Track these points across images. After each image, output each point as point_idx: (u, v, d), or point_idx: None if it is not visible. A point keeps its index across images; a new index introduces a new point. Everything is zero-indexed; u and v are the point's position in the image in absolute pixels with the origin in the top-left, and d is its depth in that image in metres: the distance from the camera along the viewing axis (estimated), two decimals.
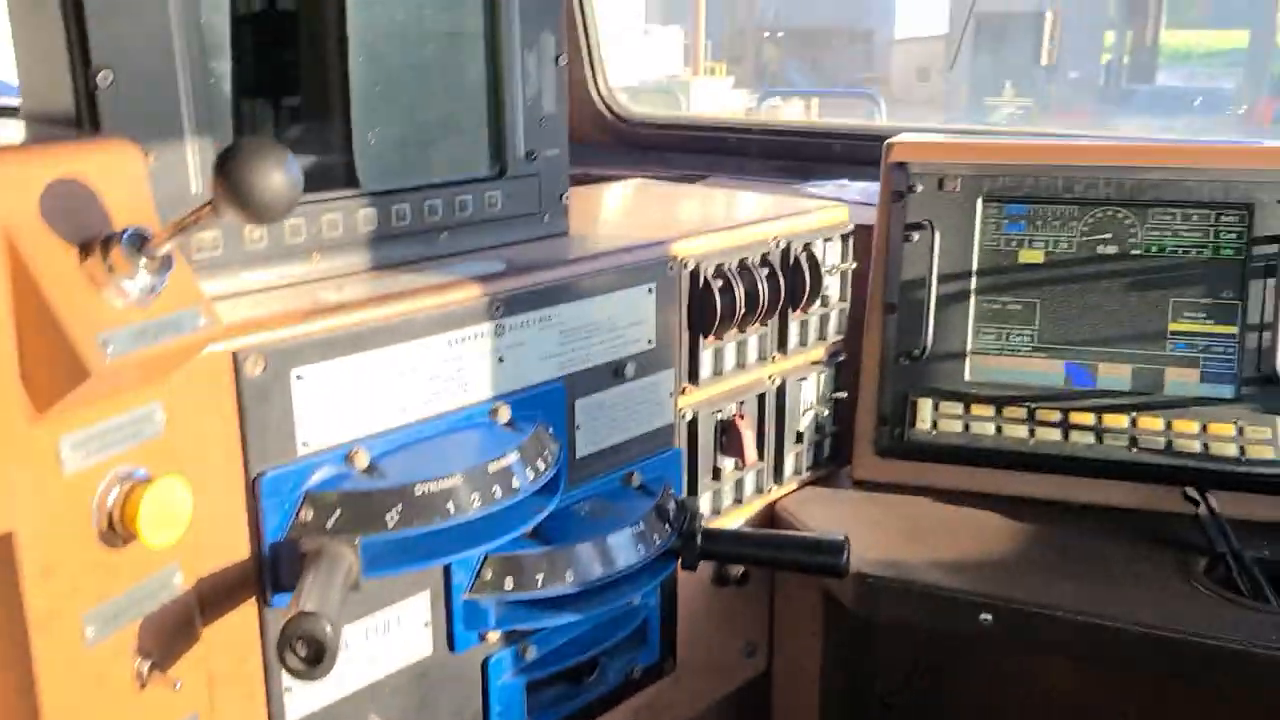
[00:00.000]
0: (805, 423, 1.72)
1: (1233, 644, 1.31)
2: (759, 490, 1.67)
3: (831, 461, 1.79)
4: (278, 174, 0.79)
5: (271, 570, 1.08)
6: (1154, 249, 1.63)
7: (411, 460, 1.15)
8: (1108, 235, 1.65)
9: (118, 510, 0.90)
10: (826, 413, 1.74)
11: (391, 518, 1.10)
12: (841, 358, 1.76)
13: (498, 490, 1.17)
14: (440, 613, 1.25)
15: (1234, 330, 1.60)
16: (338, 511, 1.09)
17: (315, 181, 1.22)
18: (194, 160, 1.09)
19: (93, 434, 0.88)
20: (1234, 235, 1.60)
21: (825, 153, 2.65)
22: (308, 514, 1.09)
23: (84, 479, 0.88)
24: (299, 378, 1.07)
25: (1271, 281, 1.56)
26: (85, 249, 0.84)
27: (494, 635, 1.30)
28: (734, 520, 1.64)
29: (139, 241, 0.84)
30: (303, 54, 1.27)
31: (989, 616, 1.41)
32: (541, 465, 1.23)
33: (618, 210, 1.72)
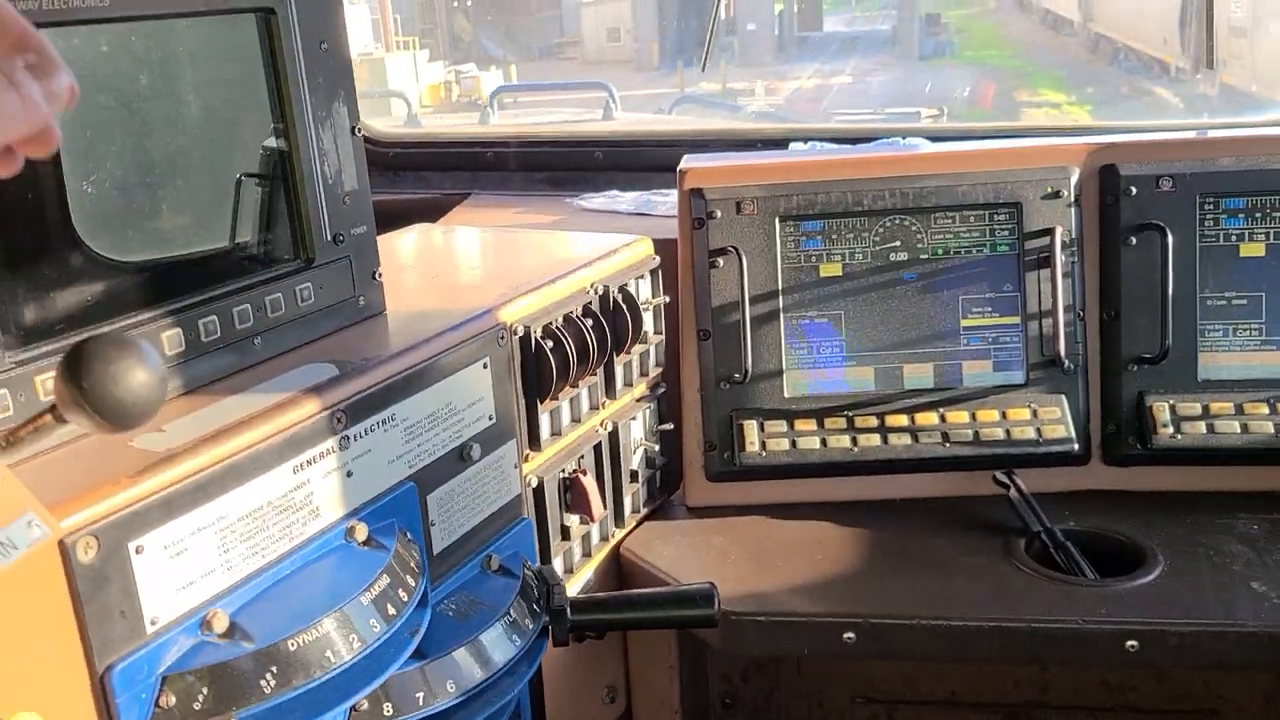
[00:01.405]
0: (637, 460, 1.70)
1: (1067, 624, 1.42)
2: (603, 538, 1.65)
3: (664, 491, 1.79)
4: (140, 372, 0.67)
5: None
6: (940, 252, 1.73)
7: (276, 611, 1.04)
8: (897, 243, 1.73)
9: None
10: (656, 446, 1.74)
11: (267, 684, 0.99)
12: (662, 389, 1.75)
13: (374, 623, 1.07)
14: None
15: (1017, 320, 1.72)
16: (204, 690, 0.96)
17: (103, 310, 1.07)
18: None
19: None
20: (1007, 232, 1.72)
21: (587, 161, 2.64)
22: (168, 699, 0.95)
23: None
24: (138, 550, 0.93)
25: (1045, 272, 1.69)
26: None
27: None
28: (584, 573, 1.60)
29: None
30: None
31: (852, 635, 1.46)
32: (410, 580, 1.15)
33: (424, 272, 1.62)
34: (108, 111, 1.08)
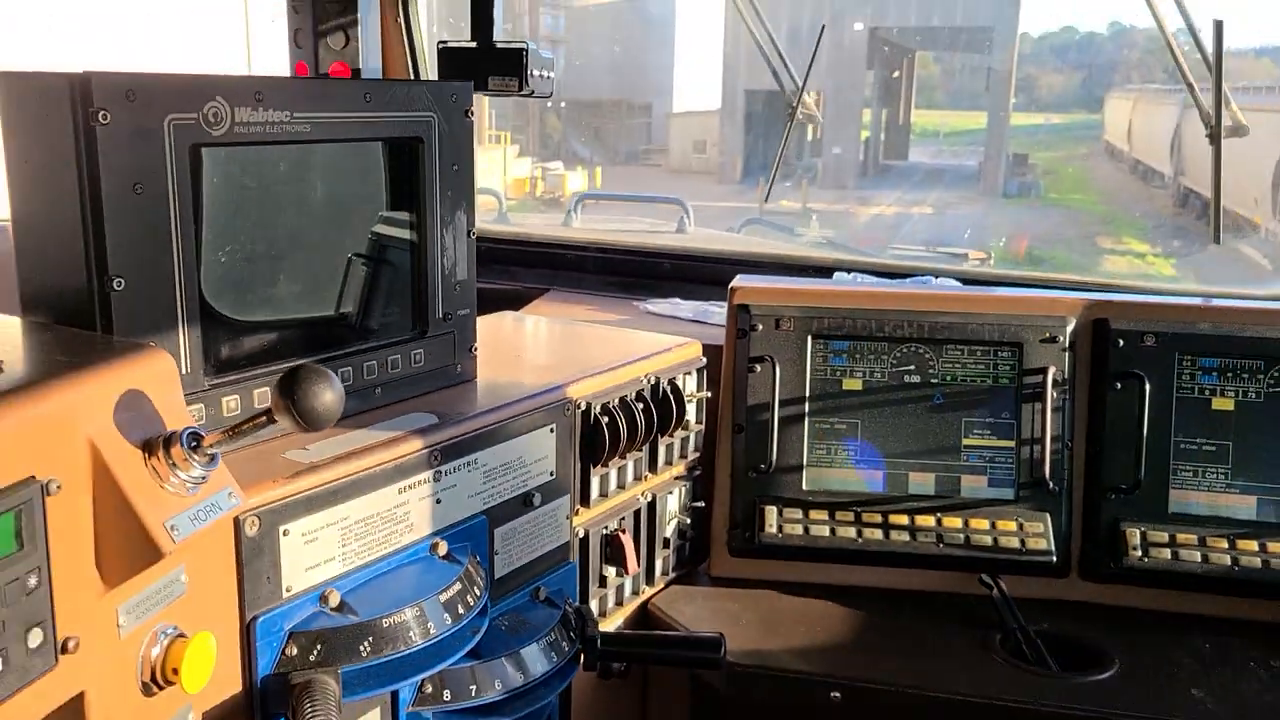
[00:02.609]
0: (670, 529, 1.98)
1: (1026, 705, 1.65)
2: (635, 592, 1.92)
3: (692, 560, 2.06)
4: (329, 394, 0.98)
5: (262, 702, 1.23)
6: (949, 378, 2.01)
7: (375, 596, 1.33)
8: (912, 367, 2.01)
9: (159, 664, 1.05)
10: (688, 520, 2.01)
11: (364, 648, 1.28)
12: (698, 472, 2.04)
13: (447, 617, 1.36)
14: None
15: (1012, 444, 1.98)
16: (319, 646, 1.26)
17: (274, 353, 1.40)
18: (185, 349, 1.25)
19: (140, 600, 1.04)
20: (1009, 368, 1.99)
21: (655, 270, 2.97)
22: (293, 650, 1.25)
23: (133, 639, 1.03)
24: (285, 533, 1.24)
25: (1039, 405, 1.95)
26: (148, 449, 1.00)
27: None
28: (616, 619, 1.87)
29: (195, 442, 1.01)
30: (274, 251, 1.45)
31: (838, 694, 1.70)
32: (476, 591, 1.44)
33: (508, 352, 1.94)
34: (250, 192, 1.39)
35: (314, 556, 1.28)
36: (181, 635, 1.07)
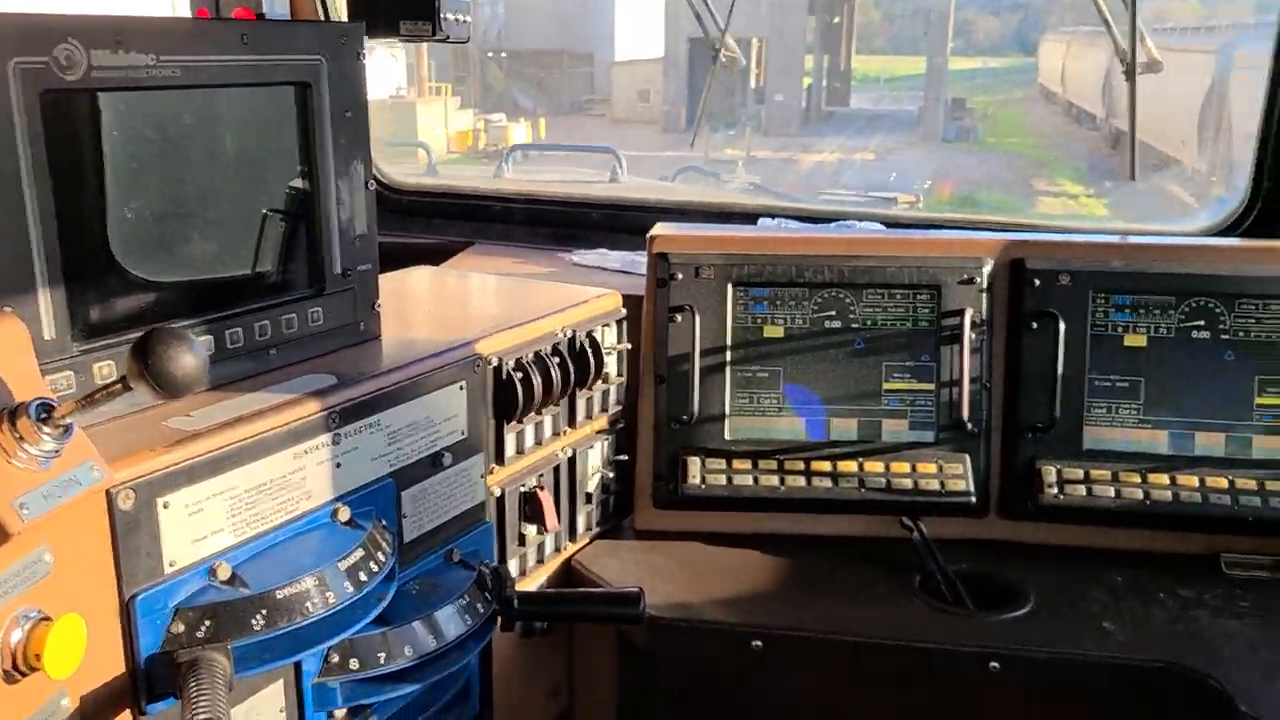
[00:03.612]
0: (593, 485, 1.95)
1: (944, 646, 1.66)
2: (557, 549, 1.89)
3: (616, 516, 2.03)
4: (188, 358, 0.93)
5: (146, 682, 1.18)
6: (869, 323, 1.99)
7: (269, 567, 1.29)
8: (833, 312, 1.99)
9: (20, 650, 1.00)
10: (611, 474, 1.98)
11: (257, 622, 1.23)
12: (621, 425, 2.00)
13: (348, 585, 1.32)
14: (292, 699, 1.38)
15: (932, 387, 1.97)
16: (207, 622, 1.21)
17: (153, 314, 1.33)
18: (47, 311, 1.19)
19: None
20: (928, 310, 1.97)
21: (584, 221, 2.92)
22: (178, 627, 1.20)
23: None
24: (165, 505, 1.19)
25: (957, 347, 1.94)
26: None
27: (340, 713, 1.44)
28: (538, 578, 1.84)
29: (45, 413, 0.95)
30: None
31: (760, 644, 1.69)
32: (381, 557, 1.39)
33: (419, 307, 1.88)
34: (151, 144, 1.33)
35: (200, 529, 1.23)
36: (46, 619, 1.02)
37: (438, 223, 3.04)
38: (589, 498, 1.95)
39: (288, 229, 1.50)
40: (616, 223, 2.91)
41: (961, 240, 2.01)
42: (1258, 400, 1.89)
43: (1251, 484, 1.85)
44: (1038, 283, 1.93)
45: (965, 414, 1.92)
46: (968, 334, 1.92)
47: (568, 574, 1.91)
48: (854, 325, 1.99)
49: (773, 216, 2.55)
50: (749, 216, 2.71)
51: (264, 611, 1.24)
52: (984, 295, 1.96)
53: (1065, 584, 1.80)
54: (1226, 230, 2.31)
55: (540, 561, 1.85)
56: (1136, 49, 2.30)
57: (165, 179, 1.34)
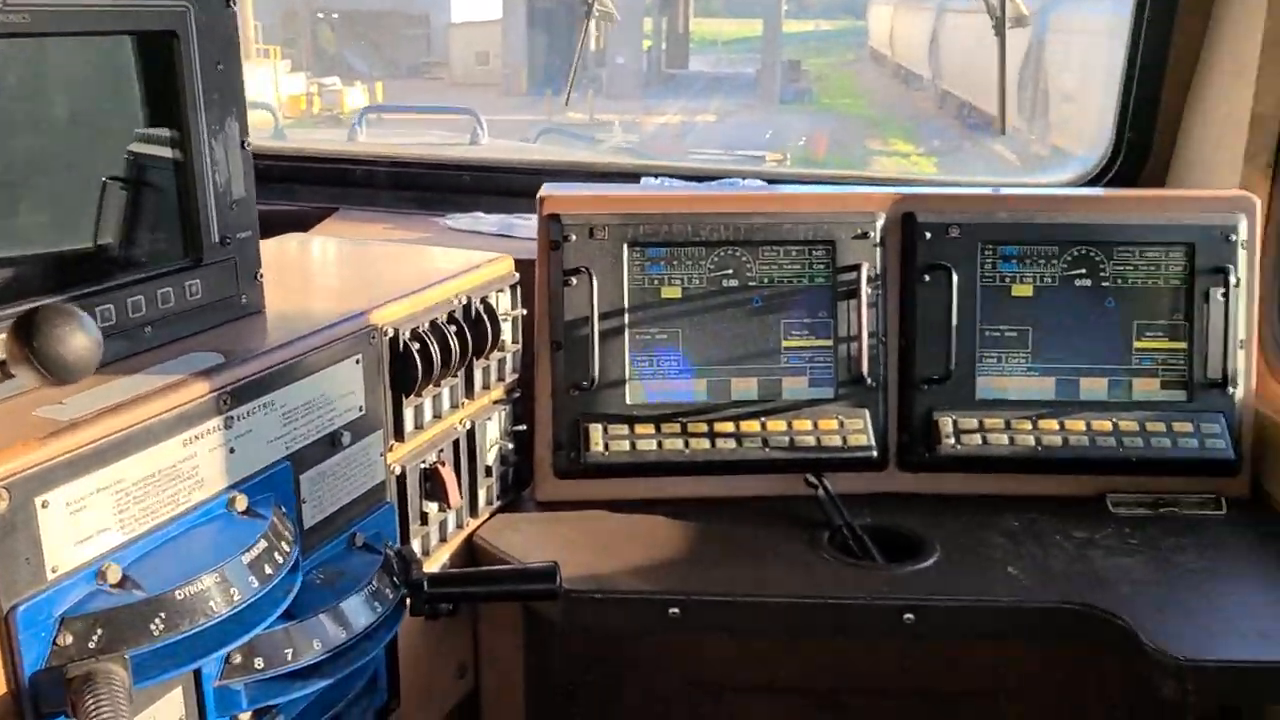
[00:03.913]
0: (492, 457, 1.87)
1: (858, 600, 1.66)
2: (458, 526, 1.81)
3: (515, 488, 1.96)
4: (80, 337, 0.81)
5: (33, 702, 1.06)
6: (766, 281, 1.97)
7: (164, 566, 1.17)
8: (730, 271, 1.96)
9: None
10: (510, 446, 1.91)
11: (156, 627, 1.12)
12: (518, 394, 1.93)
13: (253, 580, 1.21)
14: (192, 705, 1.27)
15: (830, 343, 1.97)
16: (99, 631, 1.09)
17: (12, 292, 1.18)
18: None
19: None
20: (823, 266, 1.97)
21: (454, 184, 2.80)
22: (66, 639, 1.08)
23: None
24: (44, 505, 1.06)
25: (854, 302, 1.94)
26: None
27: (245, 716, 1.34)
28: (440, 557, 1.76)
29: None
30: None
31: (677, 611, 1.66)
32: (285, 547, 1.29)
33: (300, 277, 1.75)
34: None
35: (85, 528, 1.10)
36: None
37: (295, 189, 2.86)
38: (489, 471, 1.87)
39: (160, 194, 1.36)
40: (488, 185, 2.80)
41: (854, 195, 2.01)
42: (1136, 344, 1.96)
43: (1134, 426, 1.92)
44: (929, 236, 1.95)
45: (865, 369, 1.92)
46: (865, 289, 1.92)
47: (470, 551, 1.84)
48: (751, 283, 1.97)
49: (655, 176, 2.50)
50: (626, 176, 2.65)
51: (162, 615, 1.12)
52: (878, 250, 1.96)
53: (966, 532, 1.84)
54: (1094, 180, 2.39)
55: (443, 540, 1.77)
56: (1006, 4, 2.34)
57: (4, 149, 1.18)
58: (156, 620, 1.12)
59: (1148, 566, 1.73)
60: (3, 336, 0.99)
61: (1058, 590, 1.66)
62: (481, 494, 1.86)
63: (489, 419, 1.84)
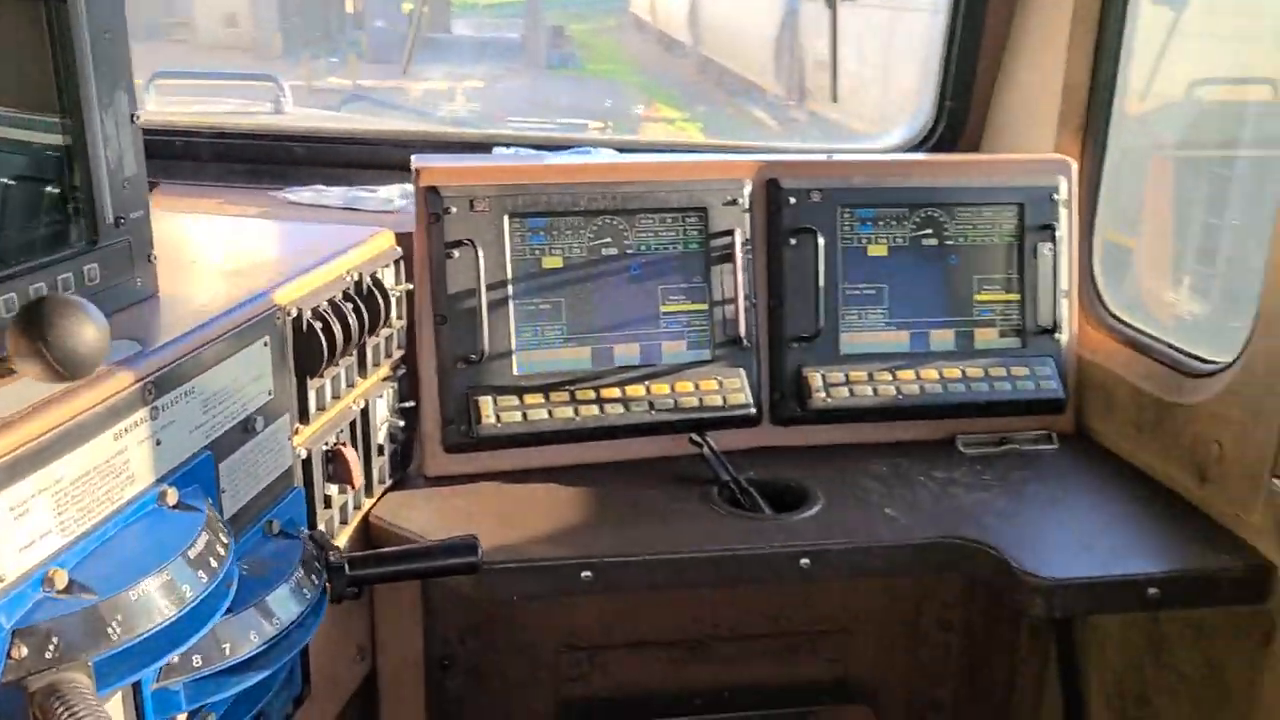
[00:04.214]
0: (383, 435, 1.84)
1: (760, 550, 1.75)
2: (356, 507, 1.77)
3: (402, 466, 1.93)
4: (92, 329, 0.76)
5: None
6: (643, 248, 2.02)
7: (109, 567, 1.10)
8: (608, 239, 2.00)
9: None
10: (401, 423, 1.88)
11: (113, 631, 1.06)
12: (403, 371, 1.90)
13: (201, 575, 1.16)
14: (131, 711, 1.20)
15: (705, 307, 2.05)
16: (54, 640, 1.02)
17: None
18: None
19: None
20: (697, 233, 2.04)
21: (286, 156, 2.69)
22: (21, 651, 1.00)
23: None
24: None
25: (727, 266, 2.03)
26: None
27: (182, 717, 1.28)
28: (342, 540, 1.72)
29: None
30: None
31: (589, 574, 1.70)
32: (224, 539, 1.24)
33: (177, 258, 1.65)
34: None
35: (27, 533, 1.03)
36: None
37: None
38: (380, 450, 1.84)
39: (52, 174, 1.26)
40: (324, 157, 2.71)
41: (723, 163, 2.09)
42: (976, 297, 2.15)
43: (979, 372, 2.11)
44: (793, 201, 2.06)
45: (741, 330, 2.01)
46: (739, 253, 2.01)
47: (367, 532, 1.80)
48: (629, 251, 2.01)
49: (507, 145, 2.49)
50: (476, 147, 2.63)
51: (119, 618, 1.06)
52: (747, 215, 2.05)
53: (841, 479, 1.97)
54: (918, 146, 2.58)
55: (344, 522, 1.73)
56: None
57: None
58: (113, 624, 1.06)
59: (1004, 499, 1.91)
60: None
61: (933, 526, 1.81)
62: (375, 473, 1.82)
63: (380, 397, 1.81)
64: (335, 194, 2.48)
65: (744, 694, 2.46)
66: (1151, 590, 1.67)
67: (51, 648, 1.02)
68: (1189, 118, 3.32)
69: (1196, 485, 1.85)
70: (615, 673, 2.42)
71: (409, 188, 2.48)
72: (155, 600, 1.10)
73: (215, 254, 1.72)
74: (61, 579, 1.06)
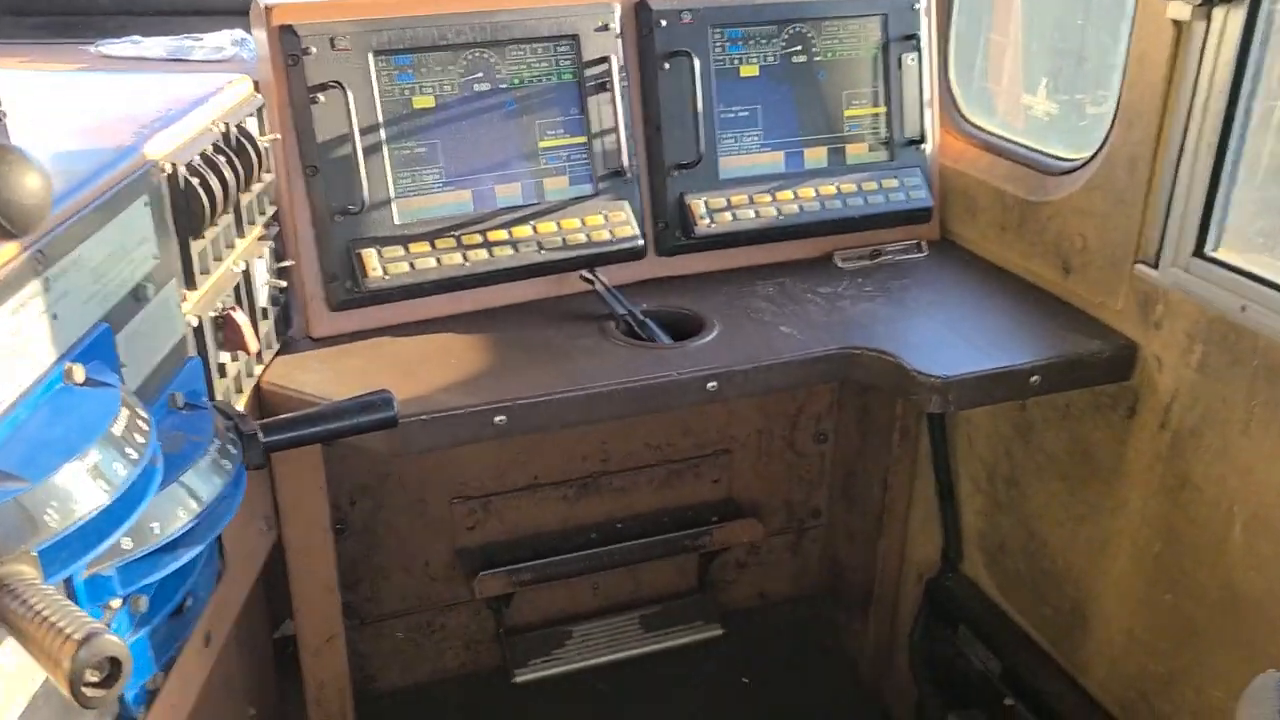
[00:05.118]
0: (265, 298, 1.74)
1: (670, 377, 1.77)
2: (249, 375, 1.68)
3: (286, 328, 1.84)
4: (35, 177, 0.67)
5: None
6: (516, 82, 1.93)
7: (32, 452, 1.02)
8: (480, 74, 1.90)
9: None
10: (283, 284, 1.78)
11: (50, 518, 0.98)
12: (276, 229, 1.79)
13: (131, 451, 1.09)
14: None
15: (584, 140, 1.99)
16: None
17: None
18: None
19: None
20: (569, 62, 1.97)
21: (94, 4, 2.42)
22: None
23: None
24: None
25: (604, 95, 1.97)
26: None
27: (116, 602, 1.22)
28: (240, 409, 1.64)
29: None
30: None
31: (503, 418, 1.68)
32: (143, 413, 1.16)
33: (18, 111, 1.47)
34: None
35: None
36: None
37: None
38: (265, 313, 1.74)
39: None
40: (134, 5, 2.46)
41: None
42: (846, 113, 2.17)
43: (852, 187, 2.15)
44: (664, 24, 2.00)
45: (624, 161, 1.98)
46: (616, 81, 1.96)
47: (260, 399, 1.72)
48: (503, 86, 1.93)
49: None
50: None
51: (54, 504, 0.99)
52: (619, 41, 1.99)
53: (732, 304, 2.00)
54: None
55: (239, 391, 1.64)
56: None
57: None
58: (49, 511, 0.98)
59: (887, 307, 1.99)
60: None
61: (828, 338, 1.87)
62: (261, 338, 1.73)
63: (260, 258, 1.70)
64: (155, 44, 2.27)
65: (636, 523, 2.53)
66: (1034, 378, 1.79)
67: None
68: None
69: (1061, 278, 1.97)
70: (509, 517, 2.44)
71: (239, 33, 2.29)
72: (88, 482, 1.02)
73: (61, 111, 1.55)
74: None
